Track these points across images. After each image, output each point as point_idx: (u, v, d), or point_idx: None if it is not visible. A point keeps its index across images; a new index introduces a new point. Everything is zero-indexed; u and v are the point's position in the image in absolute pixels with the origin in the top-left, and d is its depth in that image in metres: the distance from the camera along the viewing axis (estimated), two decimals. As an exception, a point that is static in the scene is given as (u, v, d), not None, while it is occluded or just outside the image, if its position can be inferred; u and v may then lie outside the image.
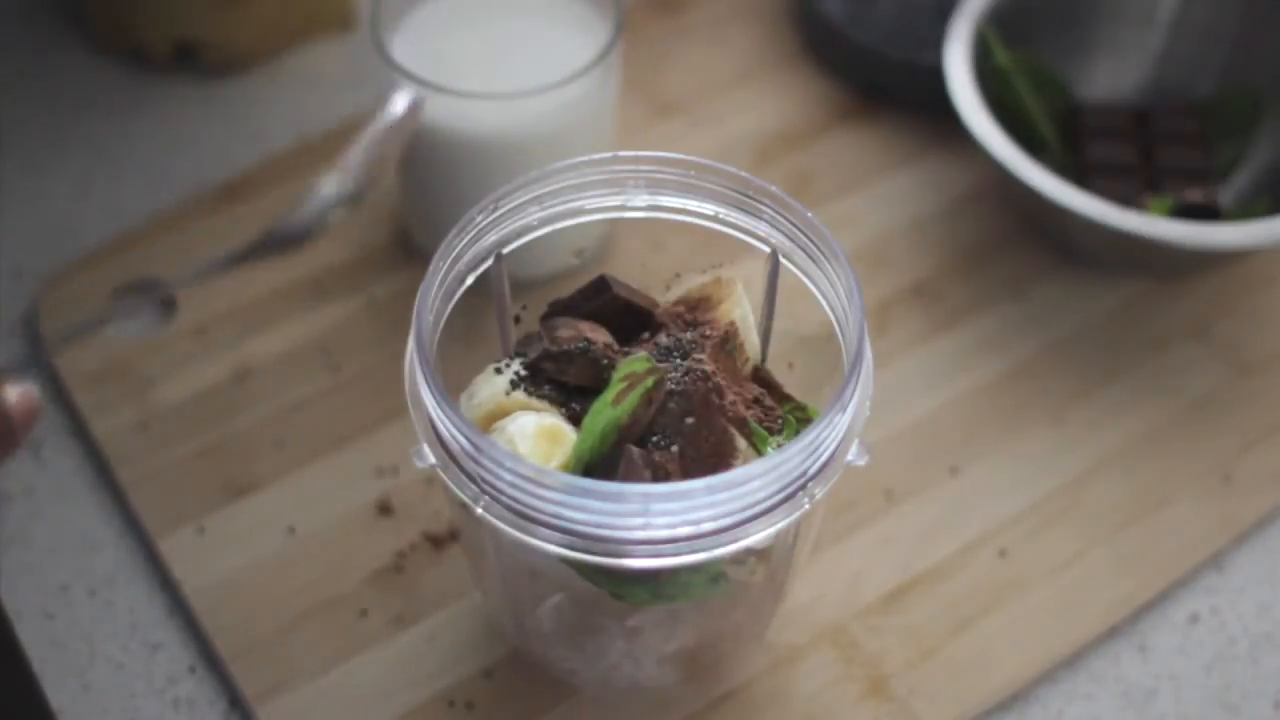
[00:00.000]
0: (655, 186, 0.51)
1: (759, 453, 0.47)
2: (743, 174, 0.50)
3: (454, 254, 0.48)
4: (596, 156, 0.50)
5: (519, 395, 0.47)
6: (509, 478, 0.42)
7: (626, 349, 0.49)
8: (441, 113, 0.60)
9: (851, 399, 0.44)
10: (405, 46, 0.63)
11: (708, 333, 0.49)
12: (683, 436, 0.45)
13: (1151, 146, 0.71)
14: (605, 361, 0.47)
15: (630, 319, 0.51)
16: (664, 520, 0.42)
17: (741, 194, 0.50)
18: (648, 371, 0.46)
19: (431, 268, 0.47)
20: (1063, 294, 0.69)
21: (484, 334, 0.52)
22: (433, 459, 0.44)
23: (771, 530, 0.43)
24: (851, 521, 0.61)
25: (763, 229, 0.50)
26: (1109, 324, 0.68)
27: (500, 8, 0.65)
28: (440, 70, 0.61)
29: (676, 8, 0.81)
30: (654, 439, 0.46)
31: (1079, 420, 0.65)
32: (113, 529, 0.61)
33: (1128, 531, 0.61)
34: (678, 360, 0.47)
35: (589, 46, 0.63)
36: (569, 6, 0.65)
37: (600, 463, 0.45)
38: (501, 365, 0.49)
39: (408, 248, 0.69)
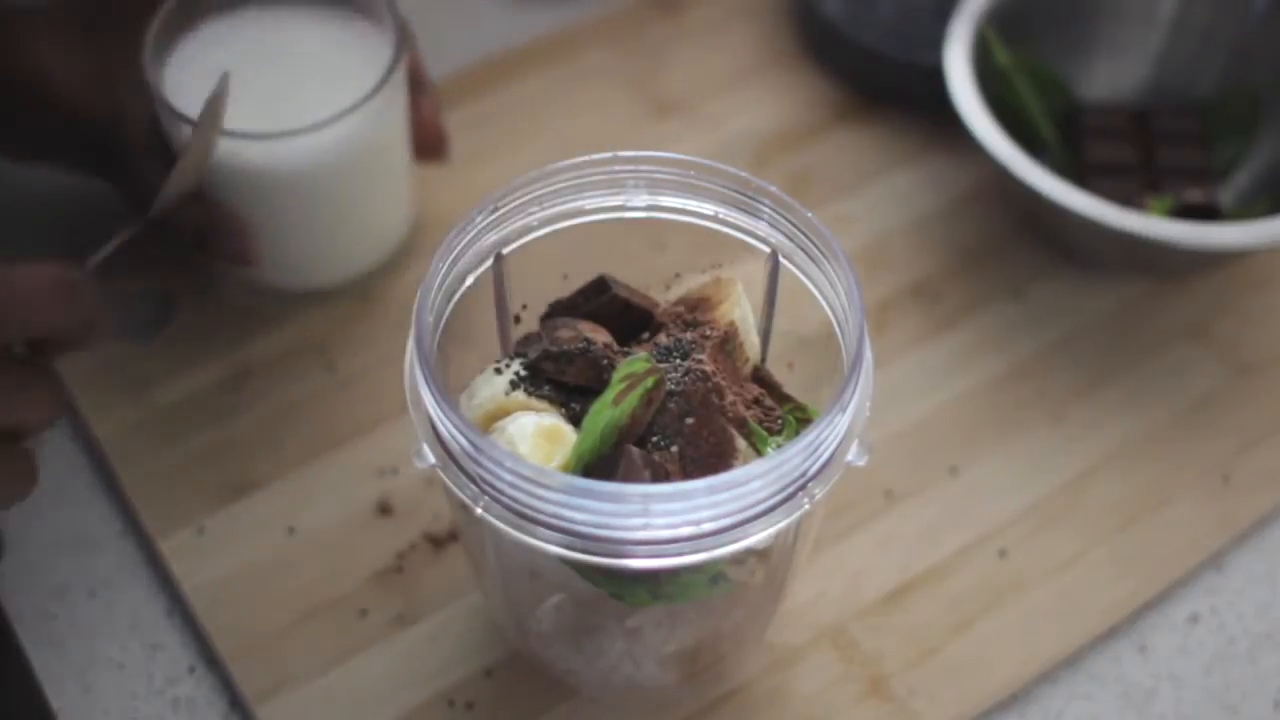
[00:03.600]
0: (655, 186, 0.51)
1: (759, 453, 0.47)
2: (743, 174, 0.50)
3: (454, 254, 0.48)
4: (596, 156, 0.50)
5: (519, 395, 0.47)
6: (509, 478, 0.42)
7: (626, 349, 0.49)
8: (220, 150, 0.58)
9: (851, 399, 0.44)
10: (178, 78, 0.60)
11: (708, 333, 0.49)
12: (683, 437, 0.45)
13: (1151, 146, 0.71)
14: (605, 361, 0.47)
15: (630, 319, 0.51)
16: (664, 520, 0.42)
17: (741, 194, 0.50)
18: (648, 371, 0.46)
19: (431, 268, 0.47)
20: (1063, 294, 0.69)
21: (484, 334, 0.52)
22: (433, 459, 0.44)
23: (771, 530, 0.43)
24: (851, 521, 0.61)
25: (763, 229, 0.50)
26: (1109, 324, 0.68)
27: (277, 34, 0.63)
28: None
29: (676, 8, 0.81)
30: (654, 439, 0.46)
31: (1079, 420, 0.65)
32: (113, 529, 0.61)
33: (1128, 531, 0.61)
34: (678, 360, 0.47)
35: (373, 72, 0.61)
36: (349, 28, 0.63)
37: (600, 463, 0.45)
38: (501, 365, 0.49)
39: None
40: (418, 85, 0.65)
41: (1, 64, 0.60)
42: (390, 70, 0.60)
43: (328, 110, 0.59)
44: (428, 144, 0.66)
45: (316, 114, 0.59)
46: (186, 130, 0.58)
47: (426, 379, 0.44)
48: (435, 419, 0.44)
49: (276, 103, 0.60)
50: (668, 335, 0.49)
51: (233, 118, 0.57)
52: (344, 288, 0.67)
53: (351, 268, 0.67)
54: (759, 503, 0.43)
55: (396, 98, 0.62)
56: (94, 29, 0.61)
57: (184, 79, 0.61)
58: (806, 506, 0.44)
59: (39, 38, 0.60)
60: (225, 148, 0.58)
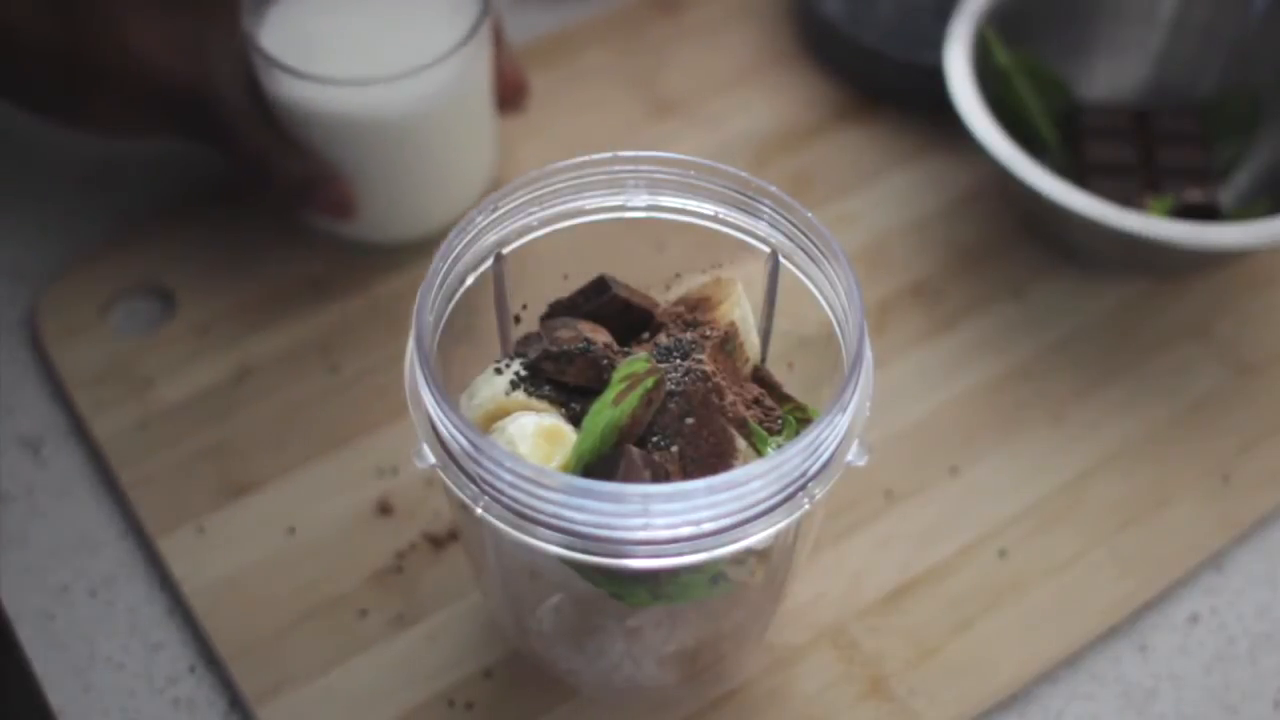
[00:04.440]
0: (655, 186, 0.51)
1: (759, 453, 0.47)
2: (743, 174, 0.50)
3: (454, 254, 0.48)
4: (596, 156, 0.50)
5: (519, 395, 0.47)
6: (509, 478, 0.42)
7: (626, 349, 0.49)
8: (311, 98, 0.61)
9: (851, 399, 0.44)
10: (274, 31, 0.63)
11: (708, 333, 0.49)
12: (683, 437, 0.45)
13: (1151, 146, 0.71)
14: (605, 361, 0.47)
15: (630, 319, 0.51)
16: (664, 520, 0.42)
17: (741, 194, 0.50)
18: (648, 372, 0.45)
19: (432, 268, 0.47)
20: (1063, 294, 0.69)
21: (484, 334, 0.52)
22: (433, 459, 0.44)
23: (771, 530, 0.43)
24: (851, 521, 0.61)
25: (763, 229, 0.50)
26: (1109, 324, 0.68)
27: None
28: (309, 57, 0.61)
29: (676, 8, 0.81)
30: (654, 439, 0.46)
31: (1079, 420, 0.65)
32: (113, 529, 0.61)
33: (1128, 531, 0.61)
34: (678, 360, 0.47)
35: (461, 24, 0.63)
36: None
37: (600, 463, 0.45)
38: (501, 365, 0.49)
39: (406, 247, 0.69)
40: (498, 37, 0.68)
41: (94, 38, 0.62)
42: (480, 18, 0.62)
43: (421, 58, 0.61)
44: (510, 94, 0.69)
45: (410, 62, 0.61)
46: (284, 81, 0.60)
47: (426, 379, 0.44)
48: (435, 419, 0.44)
49: (370, 52, 0.63)
50: (668, 335, 0.49)
51: (328, 67, 0.60)
52: (428, 241, 0.68)
53: (438, 219, 0.68)
54: (759, 503, 0.43)
55: (484, 47, 0.64)
56: (183, 1, 0.63)
57: (280, 32, 0.63)
58: (806, 506, 0.44)
59: (128, 10, 0.62)
60: (322, 95, 0.61)
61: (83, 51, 0.62)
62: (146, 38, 0.62)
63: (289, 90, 0.62)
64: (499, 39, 0.68)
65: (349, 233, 0.68)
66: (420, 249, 0.68)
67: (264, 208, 0.69)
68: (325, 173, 0.64)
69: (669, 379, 0.46)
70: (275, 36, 0.63)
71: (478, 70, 0.65)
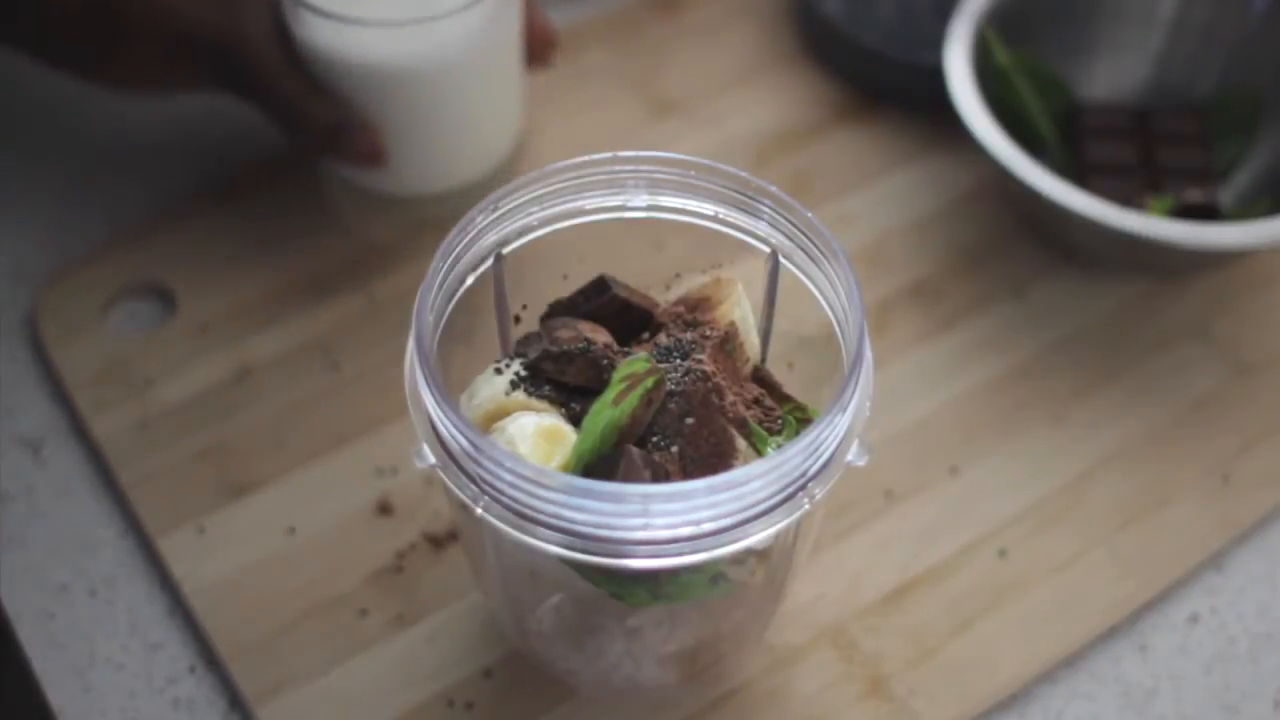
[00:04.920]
0: (655, 186, 0.50)
1: (759, 453, 0.47)
2: (743, 174, 0.50)
3: (454, 254, 0.48)
4: (596, 156, 0.50)
5: (519, 395, 0.47)
6: (509, 478, 0.42)
7: (626, 349, 0.49)
8: (341, 41, 0.61)
9: (851, 399, 0.44)
10: None
11: (708, 333, 0.49)
12: (683, 437, 0.45)
13: (1151, 146, 0.71)
14: (605, 361, 0.47)
15: (630, 319, 0.51)
16: (664, 520, 0.42)
17: (741, 194, 0.50)
18: (648, 372, 0.45)
19: (431, 268, 0.47)
20: (1063, 294, 0.69)
21: (484, 334, 0.52)
22: (433, 459, 0.44)
23: (771, 530, 0.43)
24: (851, 521, 0.61)
25: (763, 229, 0.50)
26: (1109, 324, 0.68)
27: None
28: (339, 1, 0.61)
29: (676, 8, 0.81)
30: (654, 439, 0.46)
31: (1079, 420, 0.65)
32: (113, 529, 0.61)
33: (1128, 531, 0.61)
34: (678, 360, 0.47)
35: None
36: None
37: (600, 463, 0.45)
38: (501, 365, 0.49)
39: (408, 245, 0.69)
40: None
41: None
42: None
43: (452, 3, 0.60)
44: (538, 48, 0.69)
45: (440, 6, 0.60)
46: (314, 24, 0.60)
47: (426, 379, 0.44)
48: (435, 419, 0.44)
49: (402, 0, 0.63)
50: (668, 335, 0.49)
51: (358, 10, 0.60)
52: (456, 193, 0.68)
53: (466, 173, 0.68)
54: (759, 503, 0.43)
55: (509, 5, 0.64)
56: None
57: None
58: (806, 506, 0.44)
59: None
60: (352, 38, 0.61)
61: (113, 2, 0.62)
62: None
63: (319, 34, 0.61)
64: None
65: (377, 184, 0.68)
66: (430, 237, 0.67)
67: (295, 154, 0.70)
68: (354, 120, 0.64)
69: (669, 379, 0.46)
70: None
71: (508, 19, 0.64)
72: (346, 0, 0.61)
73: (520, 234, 0.50)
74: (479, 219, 0.48)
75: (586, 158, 0.50)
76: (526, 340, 0.50)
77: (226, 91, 0.65)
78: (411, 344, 0.45)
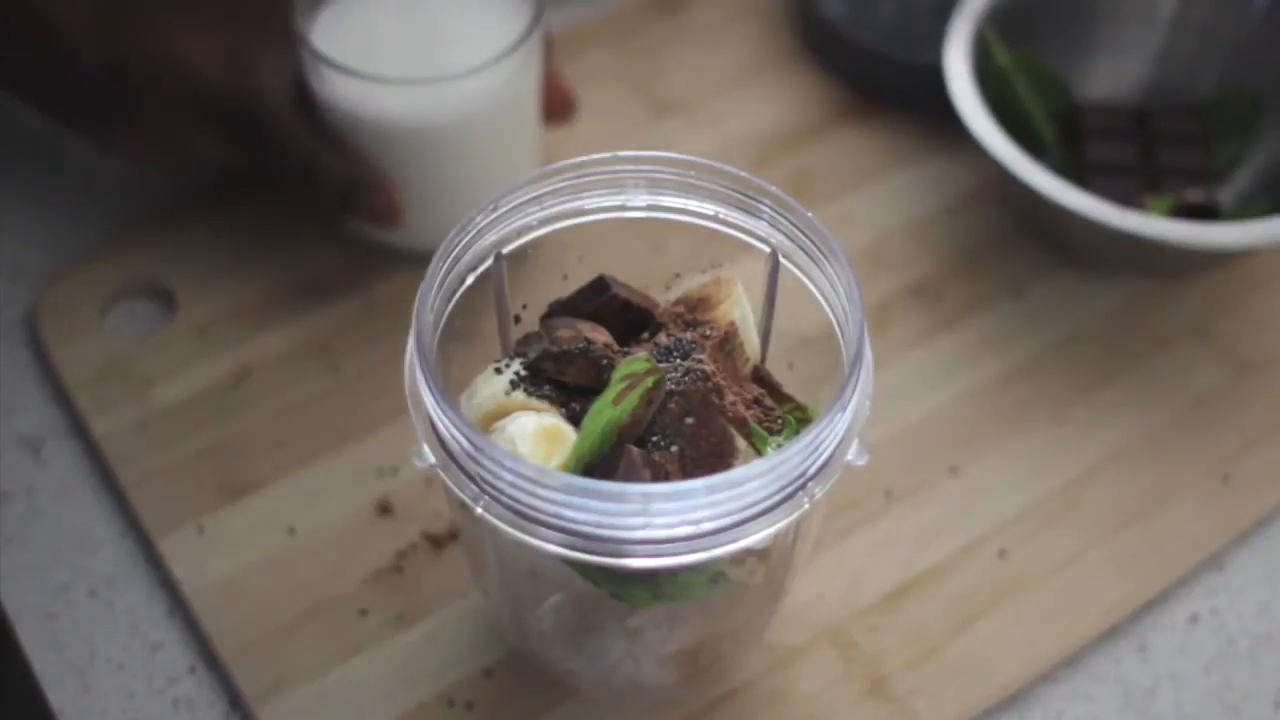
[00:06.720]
0: (655, 186, 0.50)
1: (759, 453, 0.47)
2: (743, 174, 0.50)
3: (454, 254, 0.48)
4: (596, 156, 0.50)
5: (519, 395, 0.47)
6: (509, 478, 0.42)
7: (626, 349, 0.49)
8: (362, 98, 0.61)
9: (851, 399, 0.44)
10: (327, 32, 0.63)
11: (708, 333, 0.49)
12: (683, 436, 0.45)
13: (1151, 146, 0.71)
14: (605, 361, 0.47)
15: (630, 319, 0.51)
16: (664, 520, 0.42)
17: (741, 194, 0.50)
18: (648, 371, 0.45)
19: (431, 268, 0.47)
20: (1063, 294, 0.69)
21: (484, 334, 0.52)
22: (433, 459, 0.44)
23: (771, 530, 0.43)
24: (851, 521, 0.61)
25: (763, 229, 0.50)
26: (1109, 324, 0.68)
27: None
28: (359, 58, 0.61)
29: (676, 8, 0.81)
30: (654, 439, 0.46)
31: (1079, 420, 0.65)
32: (113, 529, 0.61)
33: (1128, 531, 0.61)
34: (678, 360, 0.47)
35: (512, 32, 0.63)
36: None
37: (600, 463, 0.45)
38: (501, 365, 0.49)
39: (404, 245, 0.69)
40: (547, 49, 0.68)
41: (143, 49, 0.62)
42: (533, 24, 0.62)
43: (471, 62, 0.61)
44: (557, 105, 0.69)
45: (460, 65, 0.61)
46: (334, 80, 0.61)
47: (426, 379, 0.44)
48: (435, 419, 0.44)
49: (420, 55, 0.63)
50: (668, 335, 0.49)
51: (378, 68, 0.61)
52: None
53: None
54: (759, 502, 0.43)
55: (534, 55, 0.64)
56: (235, 16, 0.64)
57: (332, 33, 0.63)
58: (806, 506, 0.44)
59: (177, 20, 0.62)
60: (372, 95, 0.61)
61: (131, 62, 0.62)
62: (195, 47, 0.62)
63: (340, 91, 0.62)
64: (548, 50, 0.68)
65: (393, 240, 0.67)
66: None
67: (310, 213, 0.69)
68: (372, 178, 0.64)
69: (669, 379, 0.46)
70: (326, 37, 0.63)
71: (526, 78, 0.64)
72: (368, 57, 0.61)
73: (520, 234, 0.50)
74: (479, 219, 0.48)
75: (586, 157, 0.50)
76: (526, 340, 0.50)
77: (243, 157, 0.65)
78: (411, 344, 0.45)
